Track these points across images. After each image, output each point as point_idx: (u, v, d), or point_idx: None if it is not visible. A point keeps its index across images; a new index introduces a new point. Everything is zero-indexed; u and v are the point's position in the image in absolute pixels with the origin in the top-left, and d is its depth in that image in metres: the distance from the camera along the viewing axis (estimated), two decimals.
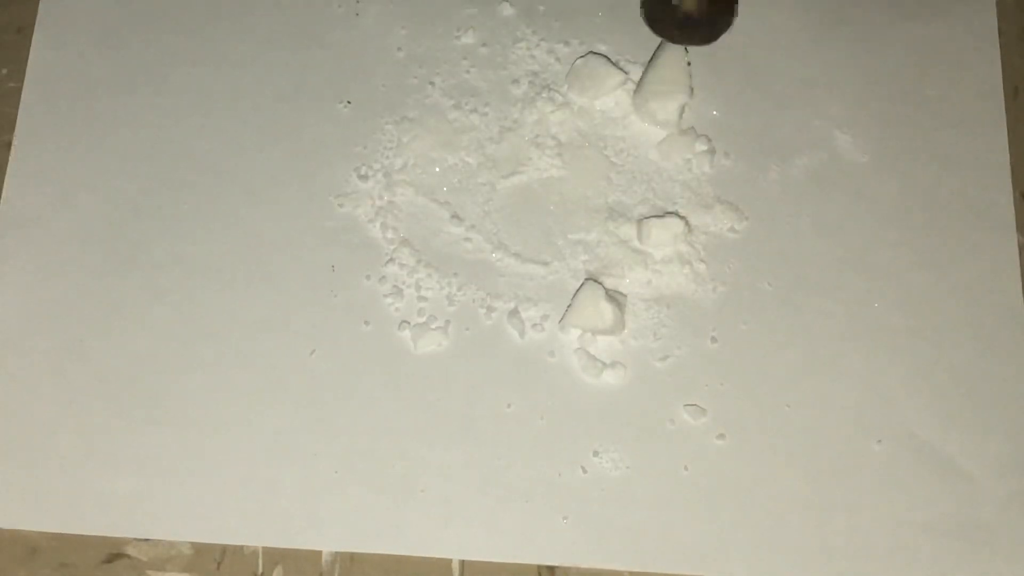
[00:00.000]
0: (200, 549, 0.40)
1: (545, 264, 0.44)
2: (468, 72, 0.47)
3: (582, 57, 0.46)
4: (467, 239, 0.44)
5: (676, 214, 0.44)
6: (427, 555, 0.40)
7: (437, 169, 0.45)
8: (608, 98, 0.46)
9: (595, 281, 0.43)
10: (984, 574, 0.40)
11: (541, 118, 0.46)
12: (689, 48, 0.45)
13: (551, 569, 0.40)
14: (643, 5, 0.45)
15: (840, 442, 0.41)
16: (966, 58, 0.48)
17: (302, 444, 0.41)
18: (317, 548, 0.40)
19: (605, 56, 0.46)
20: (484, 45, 0.47)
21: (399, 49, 0.47)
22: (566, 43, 0.47)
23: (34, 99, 0.46)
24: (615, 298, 0.43)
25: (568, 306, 0.43)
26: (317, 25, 0.48)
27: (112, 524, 0.40)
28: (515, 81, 0.46)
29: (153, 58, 0.47)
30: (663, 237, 0.43)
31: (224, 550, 0.40)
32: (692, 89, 0.45)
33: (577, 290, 0.43)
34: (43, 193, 0.45)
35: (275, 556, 0.40)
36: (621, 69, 0.46)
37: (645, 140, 0.45)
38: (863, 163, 0.46)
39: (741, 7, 0.45)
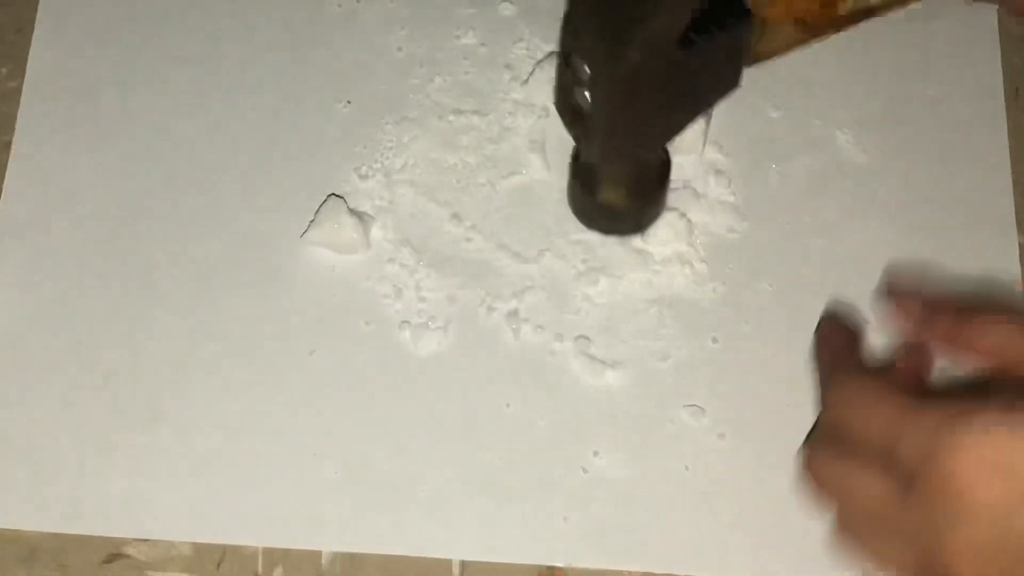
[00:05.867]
0: (200, 549, 0.40)
1: (545, 264, 0.44)
2: (468, 72, 0.47)
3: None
4: (467, 239, 0.44)
5: (677, 211, 0.44)
6: (427, 555, 0.40)
7: (437, 169, 0.45)
8: None
9: (338, 196, 0.44)
10: None
11: (541, 117, 0.46)
12: None
13: (551, 569, 0.40)
14: (569, 198, 0.43)
15: None
16: (966, 58, 0.48)
17: (302, 444, 0.41)
18: (317, 548, 0.40)
19: None
20: (484, 45, 0.47)
21: (399, 49, 0.47)
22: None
23: (34, 99, 0.46)
24: (358, 214, 0.43)
25: (310, 221, 0.43)
26: (317, 25, 0.48)
27: (112, 524, 0.40)
28: (515, 81, 0.46)
29: (153, 58, 0.47)
30: (666, 235, 0.43)
31: (224, 550, 0.40)
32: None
33: (320, 206, 0.43)
34: (43, 193, 0.45)
35: (275, 556, 0.40)
36: None
37: None
38: (863, 163, 0.46)
39: None
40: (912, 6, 0.44)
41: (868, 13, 0.37)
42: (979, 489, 0.29)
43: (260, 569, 0.39)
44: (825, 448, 0.34)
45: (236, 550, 0.40)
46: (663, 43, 0.34)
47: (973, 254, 0.44)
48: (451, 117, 0.46)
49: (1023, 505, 0.29)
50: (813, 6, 0.36)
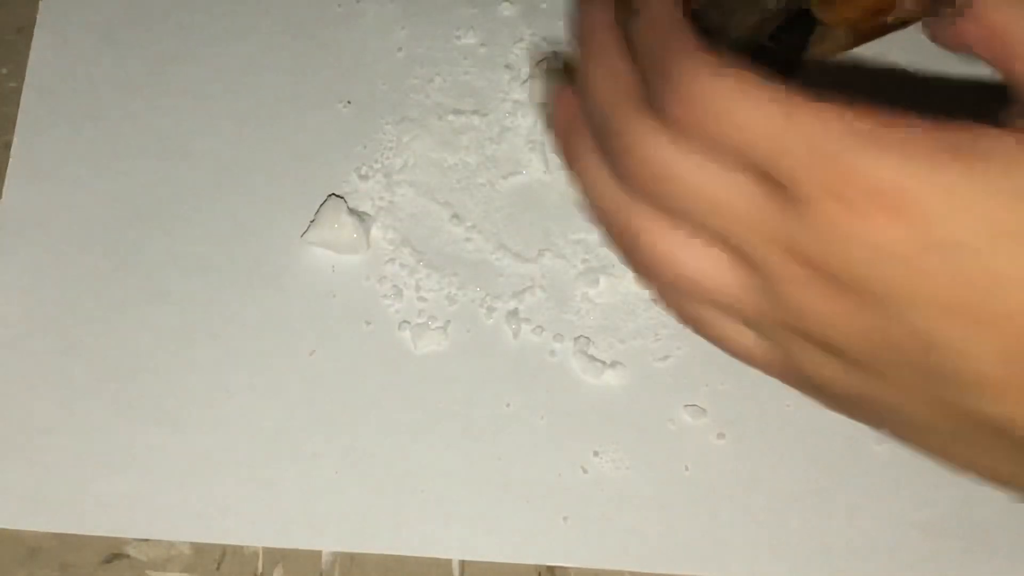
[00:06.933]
0: (200, 549, 0.40)
1: (546, 264, 0.44)
2: (468, 72, 0.47)
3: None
4: (467, 239, 0.44)
5: None
6: (427, 555, 0.40)
7: (437, 169, 0.45)
8: None
9: (338, 196, 0.44)
10: (983, 574, 0.40)
11: (541, 117, 0.46)
12: None
13: (551, 569, 0.40)
14: None
15: (840, 442, 0.41)
16: (966, 58, 0.48)
17: (302, 444, 0.41)
18: (317, 548, 0.40)
19: None
20: (484, 45, 0.47)
21: (399, 49, 0.47)
22: (567, 43, 0.47)
23: (34, 99, 0.46)
24: (358, 214, 0.43)
25: (311, 221, 0.43)
26: (317, 25, 0.48)
27: (112, 524, 0.40)
28: (515, 81, 0.47)
29: (153, 58, 0.47)
30: None
31: (224, 550, 0.40)
32: None
33: (320, 206, 0.43)
34: (43, 193, 0.45)
35: (275, 556, 0.40)
36: None
37: None
38: None
39: None
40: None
41: (906, 23, 0.38)
42: (887, 228, 0.24)
43: (260, 569, 0.39)
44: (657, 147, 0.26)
45: (236, 550, 0.40)
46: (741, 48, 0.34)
47: None
48: (451, 117, 0.46)
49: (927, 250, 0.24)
50: (865, 15, 0.37)
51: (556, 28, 0.47)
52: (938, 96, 0.47)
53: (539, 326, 0.43)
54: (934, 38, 0.35)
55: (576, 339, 0.42)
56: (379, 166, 0.45)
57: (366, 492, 0.40)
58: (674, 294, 0.28)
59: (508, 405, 0.42)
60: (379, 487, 0.40)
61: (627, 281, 0.43)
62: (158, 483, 0.40)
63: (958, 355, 0.25)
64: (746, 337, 0.29)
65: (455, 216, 0.44)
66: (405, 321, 0.43)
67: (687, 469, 0.41)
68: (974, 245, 0.24)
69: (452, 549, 0.40)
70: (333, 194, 0.44)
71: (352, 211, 0.43)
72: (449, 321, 0.43)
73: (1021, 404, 0.26)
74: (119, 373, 0.42)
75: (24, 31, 0.47)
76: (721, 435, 0.41)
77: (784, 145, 0.24)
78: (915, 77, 0.47)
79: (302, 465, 0.41)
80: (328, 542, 0.40)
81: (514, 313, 0.43)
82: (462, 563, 0.40)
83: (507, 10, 0.48)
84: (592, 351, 0.42)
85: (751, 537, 0.40)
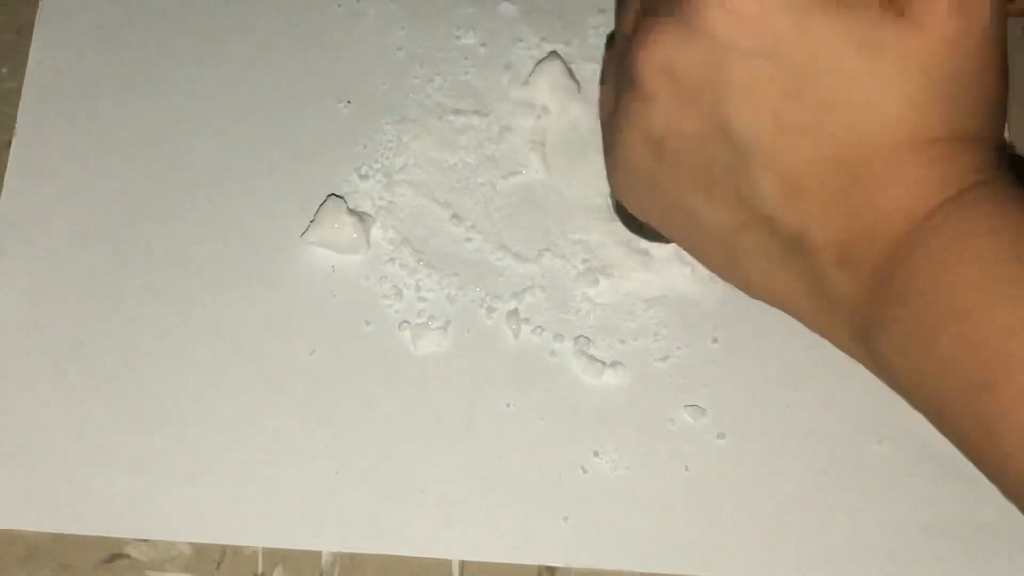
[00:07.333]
0: (200, 549, 0.40)
1: (546, 264, 0.44)
2: (468, 72, 0.47)
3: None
4: (467, 239, 0.44)
5: None
6: (427, 555, 0.40)
7: (437, 169, 0.45)
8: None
9: (338, 196, 0.44)
10: (984, 574, 0.40)
11: (541, 117, 0.46)
12: None
13: (551, 570, 0.40)
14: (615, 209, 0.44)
15: (840, 442, 0.41)
16: None
17: (302, 444, 0.41)
18: (317, 548, 0.40)
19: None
20: (484, 45, 0.47)
21: (399, 49, 0.47)
22: (567, 43, 0.47)
23: (34, 99, 0.46)
24: (358, 214, 0.43)
25: (311, 221, 0.43)
26: (317, 25, 0.48)
27: (112, 524, 0.40)
28: (515, 81, 0.46)
29: (153, 58, 0.47)
30: None
31: (224, 550, 0.40)
32: None
33: (320, 206, 0.44)
34: (43, 193, 0.45)
35: (275, 556, 0.40)
36: None
37: None
38: None
39: None
40: None
41: None
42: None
43: (260, 569, 0.39)
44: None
45: (236, 550, 0.40)
46: None
47: None
48: (451, 117, 0.46)
49: (683, 106, 0.32)
50: None
51: (556, 28, 0.47)
52: None
53: (539, 326, 0.43)
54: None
55: (576, 339, 0.42)
56: (379, 166, 0.45)
57: (366, 492, 0.40)
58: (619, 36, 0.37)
59: (508, 405, 0.42)
60: (379, 487, 0.40)
61: (627, 281, 0.43)
62: (158, 483, 0.40)
63: (754, 158, 0.32)
64: (610, 75, 0.39)
65: (455, 216, 0.44)
66: (405, 321, 0.43)
67: (687, 469, 0.41)
68: (804, 67, 0.30)
69: (452, 549, 0.40)
70: (333, 194, 0.44)
71: (352, 211, 0.43)
72: (449, 321, 0.43)
73: (803, 213, 0.32)
74: (119, 373, 0.42)
75: (24, 31, 0.47)
76: (721, 435, 0.41)
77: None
78: None
79: (302, 465, 0.41)
80: (328, 542, 0.40)
81: (514, 313, 0.43)
82: (462, 563, 0.40)
83: (507, 10, 0.48)
84: (592, 351, 0.42)
85: (751, 537, 0.40)
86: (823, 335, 0.35)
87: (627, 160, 0.37)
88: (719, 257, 0.37)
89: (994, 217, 0.30)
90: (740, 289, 0.38)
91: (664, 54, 0.32)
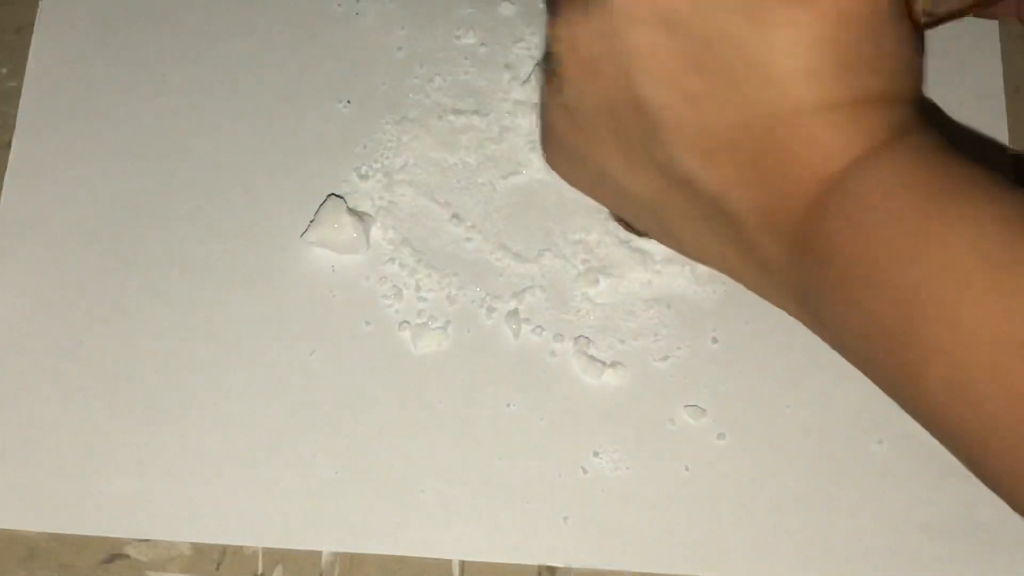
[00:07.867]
0: (200, 549, 0.40)
1: (546, 264, 0.44)
2: (468, 72, 0.47)
3: None
4: (467, 239, 0.44)
5: None
6: (427, 555, 0.40)
7: (437, 169, 0.45)
8: None
9: (338, 196, 0.44)
10: (984, 574, 0.40)
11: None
12: None
13: (551, 570, 0.40)
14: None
15: (840, 442, 0.41)
16: (966, 58, 0.48)
17: (302, 444, 0.41)
18: (317, 548, 0.40)
19: None
20: (484, 45, 0.47)
21: (399, 49, 0.47)
22: None
23: (34, 99, 0.46)
24: (358, 214, 0.43)
25: (311, 221, 0.43)
26: (317, 25, 0.48)
27: (112, 524, 0.40)
28: (515, 81, 0.46)
29: (153, 58, 0.47)
30: None
31: (224, 550, 0.40)
32: None
33: (320, 206, 0.44)
34: (43, 193, 0.45)
35: (275, 556, 0.40)
36: None
37: None
38: None
39: None
40: None
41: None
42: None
43: (260, 569, 0.39)
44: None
45: (236, 550, 0.40)
46: None
47: None
48: (451, 117, 0.46)
49: (588, 77, 0.33)
50: None
51: None
52: None
53: (539, 326, 0.43)
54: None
55: (576, 339, 0.42)
56: (379, 166, 0.45)
57: (366, 492, 0.40)
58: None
59: (508, 405, 0.42)
60: (379, 487, 0.40)
61: (627, 281, 0.43)
62: (158, 483, 0.40)
63: (663, 125, 0.32)
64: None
65: (455, 216, 0.44)
66: (405, 321, 0.43)
67: (687, 469, 0.41)
68: (703, 39, 0.31)
69: (452, 549, 0.40)
70: (333, 194, 0.44)
71: (352, 211, 0.43)
72: (449, 321, 0.43)
73: (720, 178, 0.33)
74: (119, 373, 0.42)
75: (24, 31, 0.47)
76: (721, 435, 0.41)
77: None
78: None
79: (302, 465, 0.41)
80: (328, 542, 0.40)
81: (514, 313, 0.43)
82: (462, 563, 0.40)
83: (507, 10, 0.48)
84: (592, 351, 0.42)
85: (751, 537, 0.40)
86: (767, 299, 0.36)
87: (551, 131, 0.37)
88: (652, 223, 0.37)
89: (904, 173, 0.30)
90: (680, 253, 0.38)
91: (567, 28, 0.33)
